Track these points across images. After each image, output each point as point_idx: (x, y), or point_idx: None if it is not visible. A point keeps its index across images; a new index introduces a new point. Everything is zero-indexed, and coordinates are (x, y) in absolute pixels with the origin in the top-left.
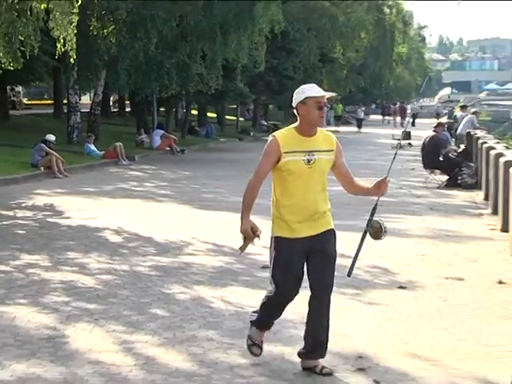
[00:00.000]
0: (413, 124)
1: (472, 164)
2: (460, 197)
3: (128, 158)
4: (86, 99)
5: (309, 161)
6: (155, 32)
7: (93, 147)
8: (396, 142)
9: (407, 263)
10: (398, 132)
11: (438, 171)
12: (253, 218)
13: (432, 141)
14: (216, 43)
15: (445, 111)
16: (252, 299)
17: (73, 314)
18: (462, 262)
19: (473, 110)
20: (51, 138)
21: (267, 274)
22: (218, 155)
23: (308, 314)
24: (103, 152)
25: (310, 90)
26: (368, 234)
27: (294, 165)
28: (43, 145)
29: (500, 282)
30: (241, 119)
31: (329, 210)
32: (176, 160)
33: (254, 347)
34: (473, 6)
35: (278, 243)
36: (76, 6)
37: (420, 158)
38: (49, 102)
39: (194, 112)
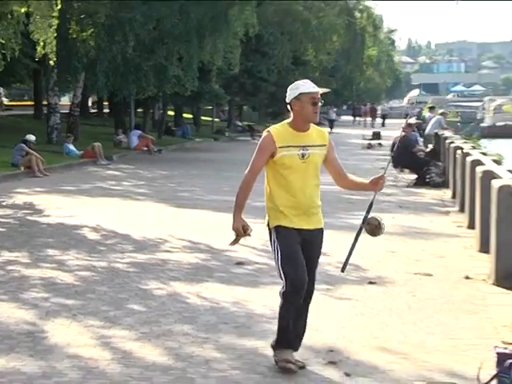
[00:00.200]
0: (383, 124)
1: (440, 163)
2: (428, 195)
3: (106, 157)
4: (65, 100)
5: (303, 155)
6: (133, 35)
7: (72, 147)
8: (366, 142)
9: (377, 259)
10: (369, 132)
11: (407, 170)
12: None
13: (401, 141)
14: (192, 46)
15: (414, 112)
16: (227, 295)
17: (52, 309)
18: (430, 258)
19: (440, 110)
20: (31, 138)
21: (242, 270)
22: (194, 155)
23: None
24: (82, 152)
25: (304, 85)
26: (364, 231)
27: (289, 159)
28: (23, 145)
29: (467, 278)
30: (216, 120)
31: (320, 206)
32: (153, 160)
33: (287, 364)
34: (441, 10)
35: (279, 233)
36: (56, 9)
37: (389, 158)
38: (29, 103)
39: (171, 113)
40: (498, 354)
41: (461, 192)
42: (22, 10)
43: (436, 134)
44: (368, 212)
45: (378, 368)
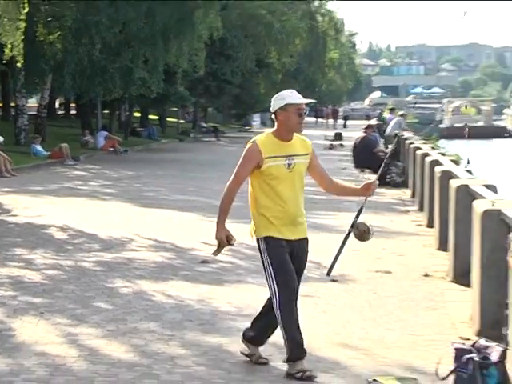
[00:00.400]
0: (344, 126)
1: (400, 163)
2: (388, 194)
3: (73, 158)
4: (33, 102)
5: (289, 165)
6: (99, 38)
7: (39, 148)
8: (328, 142)
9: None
10: (331, 133)
11: (367, 170)
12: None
13: (362, 142)
14: (157, 49)
15: (374, 114)
16: (192, 293)
17: (19, 307)
18: (391, 256)
19: (400, 112)
20: None
21: (206, 268)
22: (160, 155)
23: (266, 314)
24: (49, 152)
25: (291, 96)
26: (352, 235)
27: (276, 170)
28: None
29: (426, 275)
30: (181, 121)
31: (304, 214)
32: (119, 160)
33: (306, 373)
34: (401, 14)
35: (268, 243)
36: (23, 12)
37: (351, 158)
38: None
39: (137, 114)
40: (455, 349)
41: (420, 191)
42: None
43: (396, 134)
44: (357, 217)
45: (339, 364)
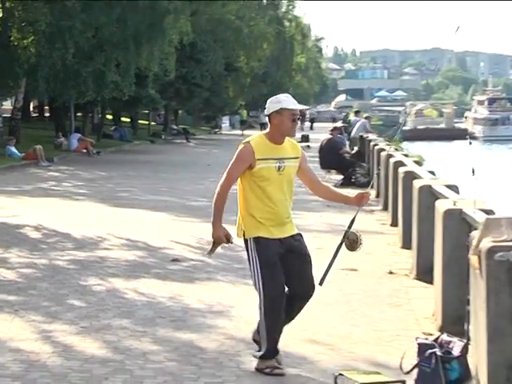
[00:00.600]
0: (311, 128)
1: (364, 164)
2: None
3: (47, 159)
4: (7, 105)
5: (279, 168)
6: (72, 42)
7: (14, 149)
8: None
9: None
10: (298, 135)
11: (333, 171)
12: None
13: (328, 143)
14: (129, 53)
15: (340, 116)
16: (163, 290)
17: None
18: (356, 254)
19: (365, 114)
20: None
21: (177, 266)
22: (132, 157)
23: (288, 311)
24: (24, 154)
25: (287, 101)
26: (344, 245)
27: (267, 171)
28: None
29: (390, 273)
30: (153, 123)
31: (291, 215)
32: (92, 161)
33: (276, 370)
34: (365, 20)
35: (258, 243)
36: None
37: (317, 159)
38: None
39: (110, 117)
40: (419, 344)
41: (384, 191)
42: None
43: (361, 136)
44: (349, 227)
45: (306, 359)
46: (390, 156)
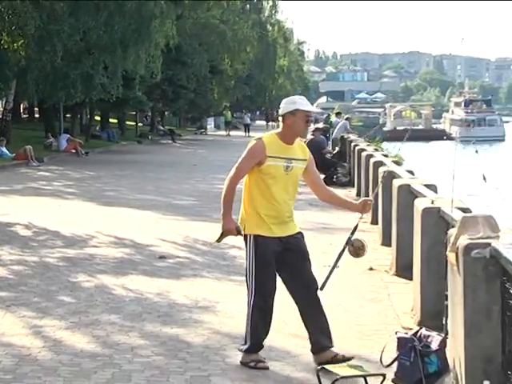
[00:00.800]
0: None
1: (345, 164)
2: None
3: (37, 159)
4: None
5: (287, 167)
6: (61, 46)
7: (4, 150)
8: None
9: None
10: None
11: None
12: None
13: (310, 144)
14: (116, 56)
15: (322, 117)
16: (150, 286)
17: None
18: (338, 251)
19: (346, 116)
20: None
21: (164, 263)
22: (119, 157)
23: (303, 312)
24: (14, 154)
25: (302, 102)
26: (347, 251)
27: (274, 169)
28: None
29: (370, 269)
30: (140, 124)
31: (293, 214)
32: (81, 161)
33: (260, 363)
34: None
35: (256, 241)
36: None
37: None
38: None
39: (98, 118)
40: (398, 338)
41: (365, 190)
42: None
43: (342, 137)
44: (352, 233)
45: (289, 352)
46: (370, 156)
